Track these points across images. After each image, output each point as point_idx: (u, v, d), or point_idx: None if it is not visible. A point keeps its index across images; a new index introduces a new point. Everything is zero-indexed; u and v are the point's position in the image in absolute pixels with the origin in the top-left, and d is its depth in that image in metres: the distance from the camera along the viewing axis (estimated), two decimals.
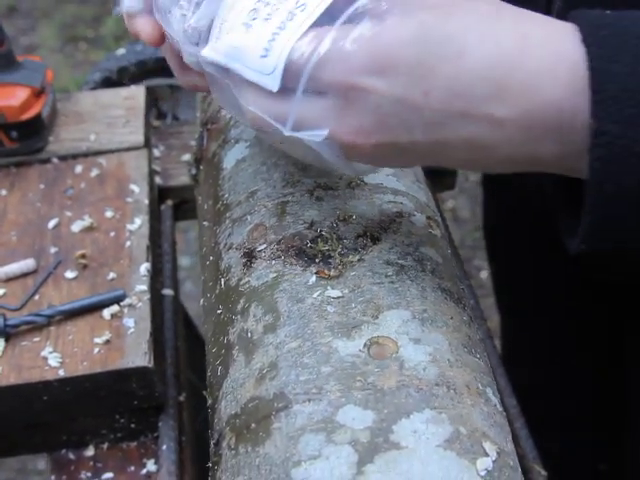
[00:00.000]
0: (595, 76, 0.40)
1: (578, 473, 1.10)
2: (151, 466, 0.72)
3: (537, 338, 1.05)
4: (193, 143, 0.99)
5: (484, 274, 2.06)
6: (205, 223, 0.64)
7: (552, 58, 0.41)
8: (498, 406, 0.49)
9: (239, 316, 0.53)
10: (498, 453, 0.44)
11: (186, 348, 0.88)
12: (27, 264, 0.77)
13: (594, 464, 1.16)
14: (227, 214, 0.60)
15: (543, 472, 0.68)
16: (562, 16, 0.62)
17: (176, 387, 0.77)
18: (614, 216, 0.41)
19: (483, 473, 0.43)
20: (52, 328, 0.71)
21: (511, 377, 0.79)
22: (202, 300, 0.62)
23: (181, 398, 0.77)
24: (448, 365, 0.47)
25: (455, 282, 0.55)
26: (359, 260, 0.52)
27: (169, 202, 0.95)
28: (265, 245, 0.55)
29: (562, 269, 0.93)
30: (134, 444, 0.74)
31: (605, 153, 0.40)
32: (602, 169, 0.40)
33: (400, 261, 0.53)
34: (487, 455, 0.44)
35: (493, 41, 0.41)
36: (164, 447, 0.71)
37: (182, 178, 0.96)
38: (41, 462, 1.71)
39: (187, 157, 0.98)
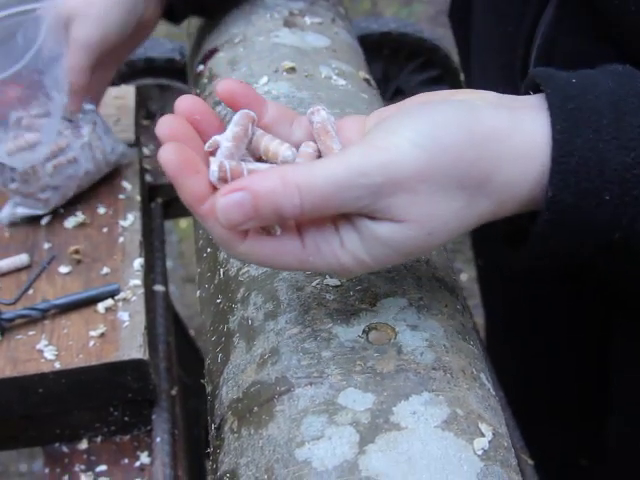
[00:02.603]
0: (557, 148, 0.43)
1: (559, 468, 1.12)
2: (145, 458, 0.73)
3: (521, 334, 1.07)
4: None
5: (464, 277, 2.09)
6: None
7: (521, 143, 0.44)
8: (491, 390, 0.50)
9: (239, 304, 0.54)
10: (493, 434, 0.46)
11: (175, 344, 0.89)
12: (20, 259, 0.77)
13: (576, 459, 1.18)
14: None
15: (530, 461, 0.70)
16: (542, 50, 0.65)
17: (168, 381, 0.78)
18: (547, 252, 0.47)
19: (480, 452, 0.44)
20: (47, 322, 0.72)
21: (495, 371, 0.80)
22: (199, 291, 0.63)
23: (173, 392, 0.78)
24: (444, 350, 0.49)
25: (448, 272, 0.57)
26: None
27: (159, 200, 0.96)
28: None
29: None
30: (127, 437, 0.75)
31: (554, 217, 0.44)
32: (549, 230, 0.45)
33: None
34: (483, 435, 0.45)
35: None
36: (158, 439, 0.72)
37: None
38: (23, 465, 1.70)
39: None
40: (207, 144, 0.46)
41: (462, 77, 0.93)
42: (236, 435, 0.48)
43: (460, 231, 0.45)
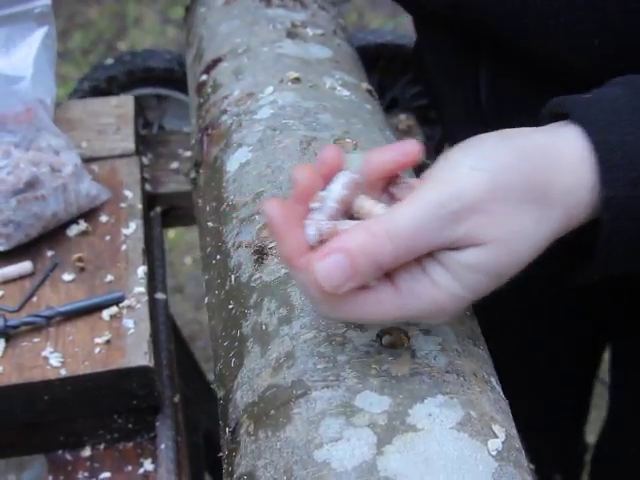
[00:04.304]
0: (599, 150, 0.46)
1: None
2: (148, 465, 0.73)
3: (502, 339, 1.08)
4: (181, 151, 1.01)
5: None
6: (209, 224, 0.66)
7: (568, 154, 0.47)
8: (501, 394, 0.52)
9: (252, 310, 0.55)
10: (506, 436, 0.47)
11: (175, 352, 0.89)
12: (24, 266, 0.78)
13: (549, 475, 1.19)
14: (234, 214, 0.62)
15: (531, 465, 0.71)
16: (488, 101, 0.68)
17: (171, 388, 0.78)
18: (617, 257, 0.49)
19: (494, 453, 0.45)
20: (52, 329, 0.72)
21: None
22: (207, 298, 0.64)
23: (176, 399, 0.79)
24: (456, 354, 0.50)
25: None
26: None
27: (158, 209, 0.97)
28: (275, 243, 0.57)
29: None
30: (130, 444, 0.76)
31: (614, 214, 0.46)
32: (613, 229, 0.47)
33: None
34: (497, 437, 0.46)
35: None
36: (162, 446, 0.73)
37: (171, 185, 0.98)
38: (12, 475, 1.69)
39: (175, 165, 0.99)
40: (314, 203, 0.46)
41: None
42: (253, 438, 0.49)
43: (539, 245, 0.47)
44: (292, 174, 0.46)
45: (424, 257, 0.45)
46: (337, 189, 0.46)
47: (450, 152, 0.48)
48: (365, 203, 0.46)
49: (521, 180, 0.45)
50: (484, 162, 0.45)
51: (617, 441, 1.00)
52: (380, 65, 1.16)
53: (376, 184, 0.47)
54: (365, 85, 0.76)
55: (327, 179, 0.46)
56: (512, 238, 0.45)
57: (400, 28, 2.84)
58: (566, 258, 0.53)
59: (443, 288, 0.45)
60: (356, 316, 0.45)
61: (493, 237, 0.44)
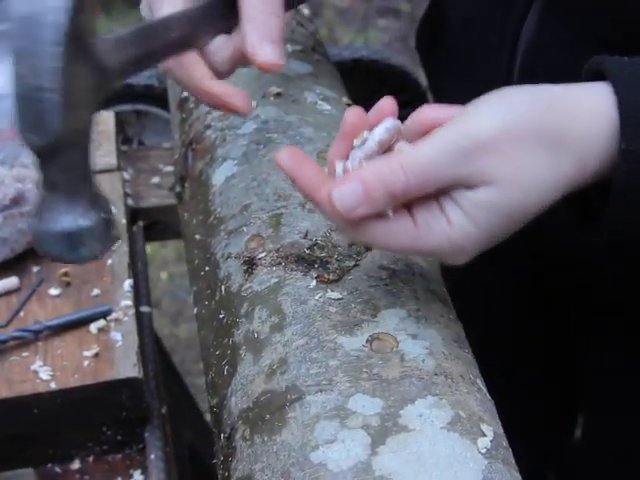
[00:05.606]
0: (624, 103, 0.48)
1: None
2: (138, 476, 0.74)
3: (483, 343, 1.09)
4: (161, 166, 1.03)
5: None
6: (197, 237, 0.67)
7: (589, 104, 0.49)
8: (487, 395, 0.53)
9: (244, 319, 0.56)
10: (494, 434, 0.49)
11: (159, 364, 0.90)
12: (10, 282, 0.78)
13: (543, 472, 1.21)
14: (221, 227, 0.64)
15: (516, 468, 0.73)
16: (527, 56, 0.68)
17: (159, 399, 0.79)
18: (628, 213, 0.50)
19: (483, 451, 0.47)
20: (40, 343, 0.73)
21: None
22: (196, 309, 0.65)
23: (163, 410, 0.79)
24: (444, 357, 0.52)
25: (440, 284, 0.60)
26: (355, 265, 0.57)
27: (140, 223, 0.97)
28: (265, 253, 0.58)
29: (509, 271, 0.96)
30: (119, 456, 0.76)
31: (632, 167, 0.48)
32: (628, 181, 0.48)
33: (392, 266, 0.57)
34: (485, 435, 0.48)
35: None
36: (152, 457, 0.73)
37: (152, 200, 0.99)
38: None
39: (156, 180, 1.00)
40: (356, 140, 0.50)
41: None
42: (249, 442, 0.50)
43: (552, 192, 0.48)
44: (345, 115, 0.51)
45: (442, 196, 0.48)
46: (380, 131, 0.50)
47: (473, 102, 0.51)
48: (404, 147, 0.50)
49: (534, 123, 0.47)
50: (498, 102, 0.48)
51: (598, 443, 1.02)
52: (356, 80, 1.18)
53: (419, 136, 0.50)
54: (345, 99, 0.78)
55: (375, 124, 0.50)
56: (523, 179, 0.47)
57: (371, 42, 2.88)
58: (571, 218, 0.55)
59: (457, 226, 0.48)
60: (375, 242, 0.50)
61: (503, 175, 0.47)
